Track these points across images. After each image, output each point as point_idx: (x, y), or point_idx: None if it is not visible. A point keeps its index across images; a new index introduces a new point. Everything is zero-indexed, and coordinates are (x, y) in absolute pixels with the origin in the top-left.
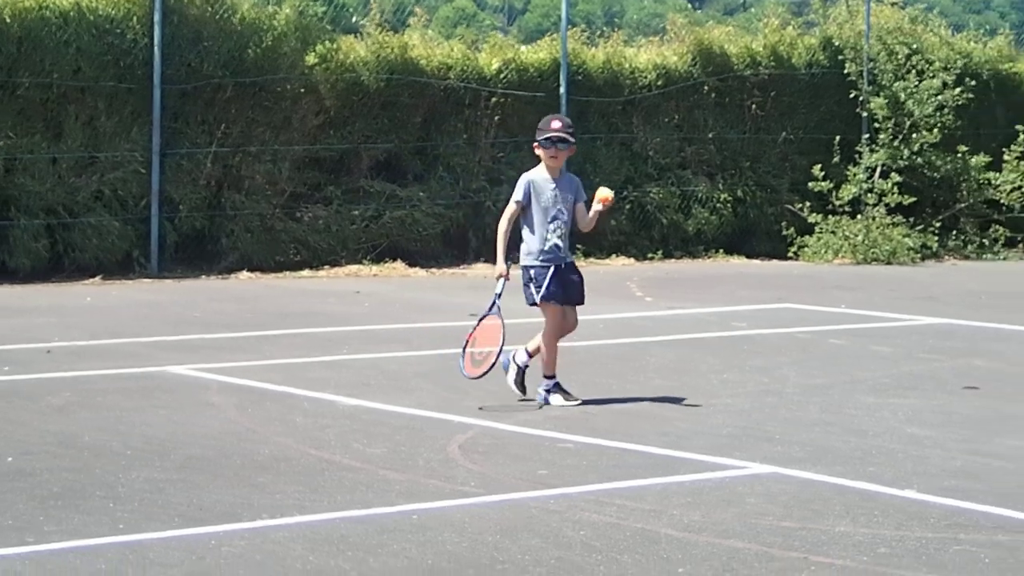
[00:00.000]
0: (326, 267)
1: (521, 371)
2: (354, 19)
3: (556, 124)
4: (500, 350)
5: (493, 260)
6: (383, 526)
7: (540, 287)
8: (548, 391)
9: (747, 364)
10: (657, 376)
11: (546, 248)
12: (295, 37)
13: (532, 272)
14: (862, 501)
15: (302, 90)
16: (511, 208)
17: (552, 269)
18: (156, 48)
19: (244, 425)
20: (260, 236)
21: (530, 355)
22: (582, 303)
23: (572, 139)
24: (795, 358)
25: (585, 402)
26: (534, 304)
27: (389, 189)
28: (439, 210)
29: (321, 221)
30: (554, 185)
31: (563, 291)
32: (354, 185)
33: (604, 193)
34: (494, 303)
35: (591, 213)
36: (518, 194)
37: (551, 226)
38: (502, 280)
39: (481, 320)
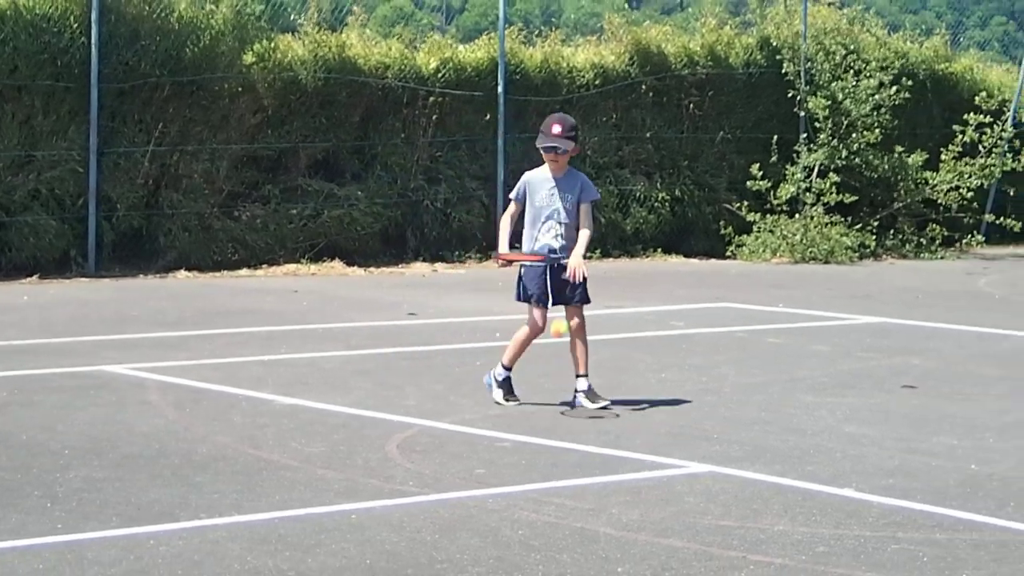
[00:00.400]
0: (264, 266)
1: (504, 383)
2: (292, 18)
3: (556, 129)
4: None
5: (430, 259)
6: (321, 525)
7: (522, 286)
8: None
9: (685, 363)
10: (595, 375)
11: (536, 248)
12: (232, 36)
13: (521, 270)
14: (801, 500)
15: (240, 89)
16: (510, 207)
17: (544, 269)
18: (93, 47)
19: (182, 424)
20: (198, 235)
21: (506, 367)
22: (581, 302)
23: (571, 143)
24: (733, 357)
25: (523, 402)
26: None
27: (327, 188)
28: (377, 209)
29: (259, 220)
30: (552, 184)
31: (553, 292)
32: (292, 184)
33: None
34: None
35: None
36: (514, 192)
37: (544, 226)
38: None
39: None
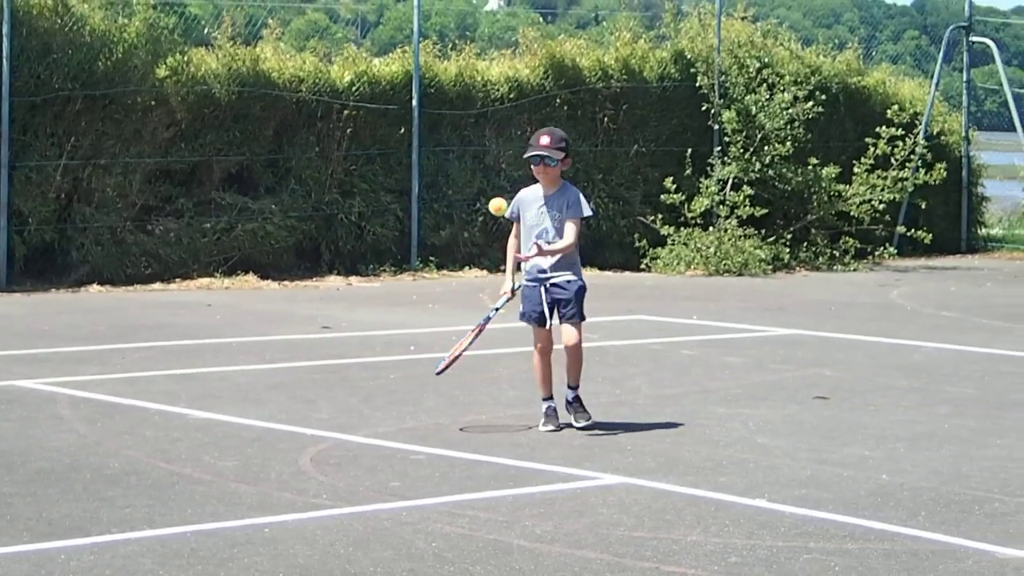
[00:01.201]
0: (177, 280)
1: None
2: (205, 31)
3: (544, 140)
4: (463, 351)
5: (345, 273)
6: (234, 539)
7: (521, 306)
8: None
9: (599, 375)
10: (509, 387)
11: (527, 268)
12: (145, 50)
13: (522, 290)
14: (713, 511)
15: (153, 103)
16: (513, 229)
17: (538, 289)
18: (4, 60)
19: (93, 439)
20: (110, 249)
21: (545, 398)
22: (573, 319)
23: (560, 153)
24: (647, 369)
25: (440, 416)
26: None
27: (241, 202)
28: (291, 223)
29: (172, 234)
30: (542, 203)
31: (549, 310)
32: (206, 198)
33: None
34: (489, 317)
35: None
36: (508, 211)
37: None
38: (504, 297)
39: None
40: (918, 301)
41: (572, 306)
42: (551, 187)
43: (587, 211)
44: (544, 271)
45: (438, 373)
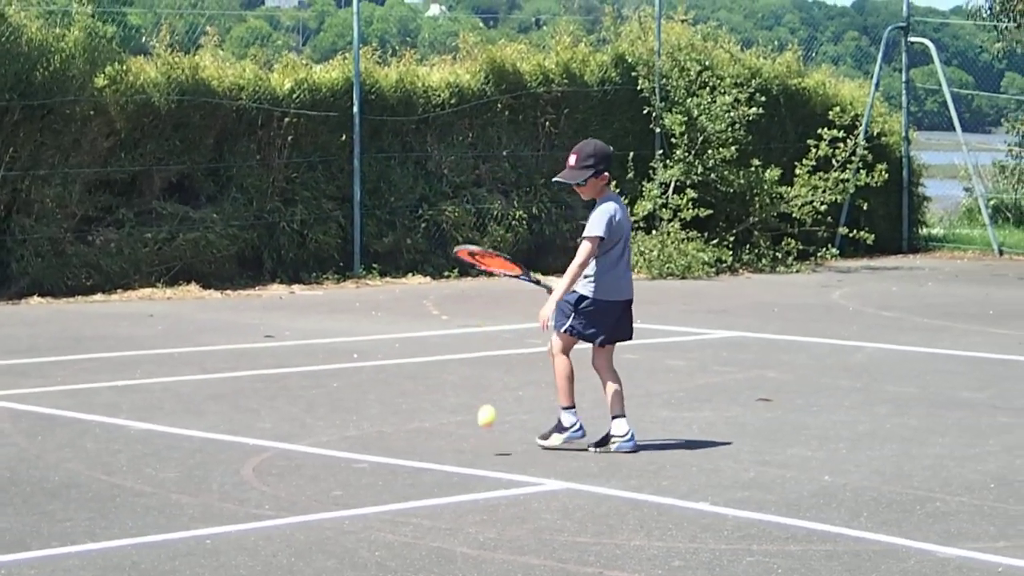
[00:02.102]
0: (119, 291)
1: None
2: (143, 40)
3: (570, 160)
4: (494, 268)
5: (287, 281)
6: (175, 551)
7: None
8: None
9: (542, 380)
10: (452, 394)
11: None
12: (84, 59)
13: None
14: (656, 515)
15: (92, 112)
16: None
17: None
18: None
19: (34, 452)
20: (51, 260)
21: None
22: (555, 328)
23: (586, 172)
24: (590, 373)
25: (381, 423)
26: None
27: (182, 211)
28: (233, 231)
29: (113, 244)
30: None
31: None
32: (146, 207)
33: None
34: (528, 279)
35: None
36: None
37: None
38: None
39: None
40: (860, 301)
41: (559, 316)
42: (592, 201)
43: (594, 231)
44: (577, 284)
45: (458, 253)
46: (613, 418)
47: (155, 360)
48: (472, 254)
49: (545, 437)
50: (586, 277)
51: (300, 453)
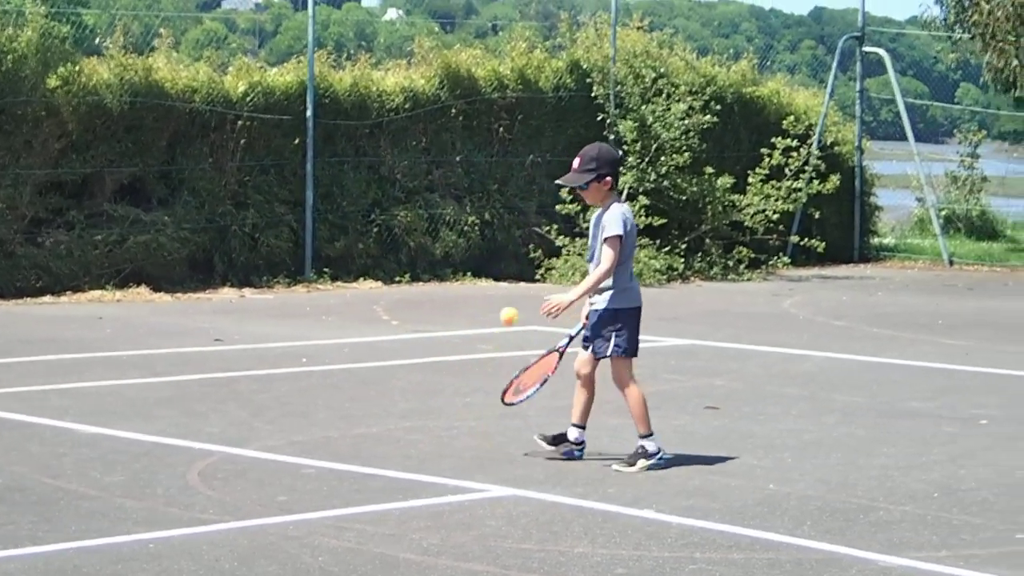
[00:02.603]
0: (68, 293)
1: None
2: (97, 41)
3: (574, 164)
4: (540, 386)
5: (238, 284)
6: (119, 555)
7: None
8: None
9: (492, 386)
10: (402, 400)
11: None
12: (36, 59)
13: None
14: (601, 522)
15: (43, 113)
16: None
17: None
18: None
19: None
20: (0, 262)
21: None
22: (585, 347)
23: (588, 175)
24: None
25: (327, 428)
26: None
27: (133, 213)
28: (184, 234)
29: (63, 246)
30: (593, 224)
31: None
32: (97, 209)
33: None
34: (570, 339)
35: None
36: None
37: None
38: (578, 324)
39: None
40: (810, 310)
41: (587, 335)
42: (598, 206)
43: (615, 229)
44: (592, 302)
45: (507, 403)
46: (574, 425)
47: (104, 363)
48: (513, 390)
49: (631, 464)
50: (611, 289)
51: (247, 458)
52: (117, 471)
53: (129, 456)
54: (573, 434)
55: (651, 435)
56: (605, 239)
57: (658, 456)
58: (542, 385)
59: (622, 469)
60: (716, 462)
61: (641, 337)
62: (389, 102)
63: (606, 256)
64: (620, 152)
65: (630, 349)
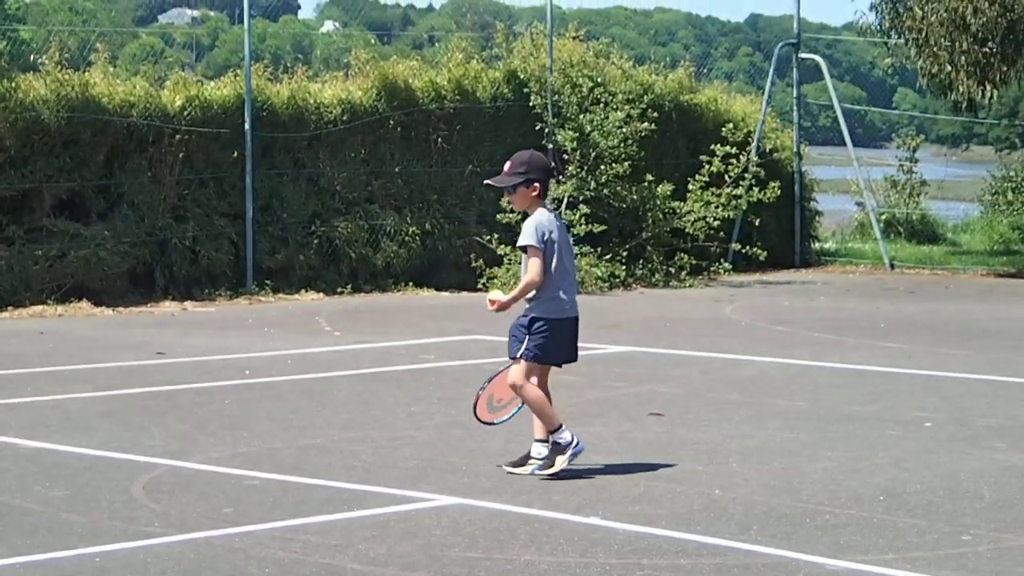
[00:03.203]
0: (9, 308)
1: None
2: (32, 57)
3: (505, 167)
4: (520, 406)
5: (180, 298)
6: (62, 570)
7: None
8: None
9: (434, 396)
10: (344, 410)
11: None
12: None
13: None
14: (547, 529)
15: None
16: None
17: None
18: None
19: None
20: None
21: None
22: (513, 360)
23: (516, 179)
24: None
25: (271, 439)
26: None
27: (73, 228)
28: (124, 248)
29: (3, 261)
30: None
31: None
32: (36, 224)
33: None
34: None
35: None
36: None
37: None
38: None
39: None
40: (752, 316)
41: (513, 343)
42: (525, 211)
43: (525, 239)
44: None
45: (484, 422)
46: (536, 440)
47: (45, 377)
48: (485, 406)
49: (550, 466)
50: (534, 299)
51: (190, 470)
52: (60, 485)
53: (72, 470)
54: (537, 449)
55: (560, 427)
56: (520, 248)
57: (574, 445)
58: (522, 406)
59: (541, 473)
60: (661, 468)
61: (584, 344)
62: (327, 114)
63: (529, 265)
64: (558, 161)
65: (541, 356)
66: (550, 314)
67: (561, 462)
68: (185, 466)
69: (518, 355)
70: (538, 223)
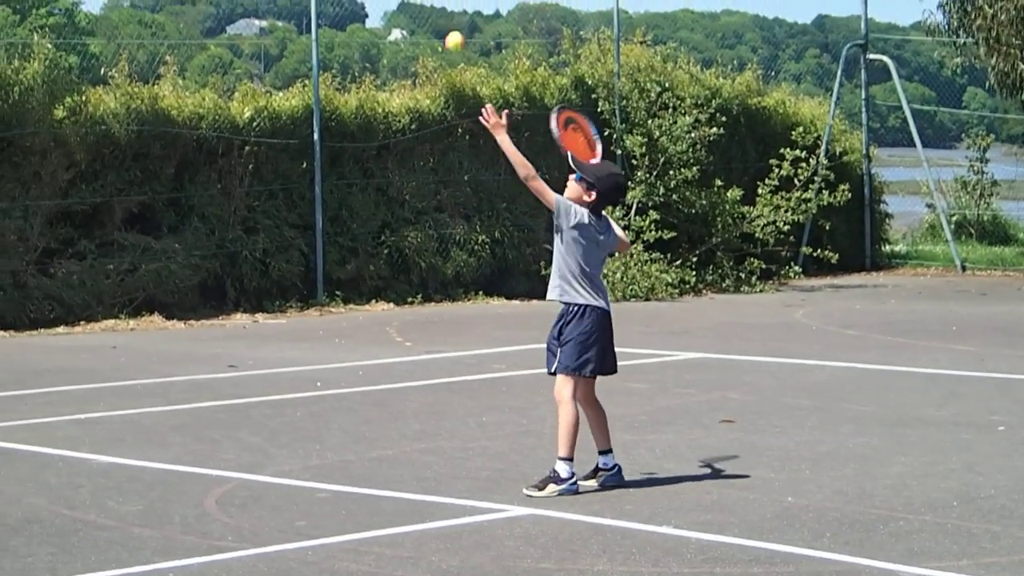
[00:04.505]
0: (82, 323)
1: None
2: (102, 70)
3: (594, 158)
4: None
5: (250, 310)
6: None
7: None
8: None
9: (505, 405)
10: (415, 421)
11: None
12: (43, 91)
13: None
14: (619, 539)
15: (52, 144)
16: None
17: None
18: None
19: None
20: (12, 293)
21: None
22: (559, 371)
23: (586, 174)
24: (552, 398)
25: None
26: None
27: (144, 241)
28: (195, 261)
29: (75, 276)
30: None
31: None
32: (108, 239)
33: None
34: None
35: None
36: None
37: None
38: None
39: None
40: (822, 320)
41: (548, 357)
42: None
43: (563, 196)
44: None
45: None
46: (600, 452)
47: (117, 392)
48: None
49: (542, 488)
50: (563, 286)
51: (262, 484)
52: (134, 500)
53: (145, 485)
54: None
55: (569, 459)
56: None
57: (570, 482)
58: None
59: (531, 493)
60: (732, 476)
61: (655, 351)
62: (395, 123)
63: (543, 189)
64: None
65: (575, 367)
66: (585, 300)
67: (550, 491)
68: (257, 479)
69: (552, 370)
70: (577, 209)
